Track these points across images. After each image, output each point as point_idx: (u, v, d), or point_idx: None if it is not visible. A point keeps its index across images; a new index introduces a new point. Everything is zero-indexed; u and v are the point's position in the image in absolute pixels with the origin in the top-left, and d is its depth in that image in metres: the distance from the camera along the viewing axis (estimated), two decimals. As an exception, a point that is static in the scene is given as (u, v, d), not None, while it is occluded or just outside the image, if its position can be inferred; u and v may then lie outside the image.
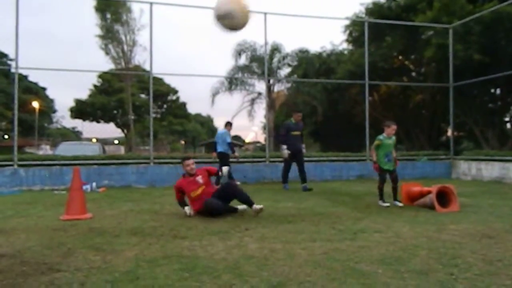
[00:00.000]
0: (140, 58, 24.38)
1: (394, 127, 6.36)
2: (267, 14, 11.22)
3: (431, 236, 4.01)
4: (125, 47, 24.05)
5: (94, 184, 9.12)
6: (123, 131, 38.59)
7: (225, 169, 5.83)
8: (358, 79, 13.45)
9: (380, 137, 6.35)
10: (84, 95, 36.78)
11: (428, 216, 5.23)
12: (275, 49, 23.56)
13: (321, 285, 2.62)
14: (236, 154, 10.20)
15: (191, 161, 5.63)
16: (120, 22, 23.61)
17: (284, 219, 5.06)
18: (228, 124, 10.21)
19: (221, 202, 5.39)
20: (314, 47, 36.75)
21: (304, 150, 8.90)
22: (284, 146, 8.61)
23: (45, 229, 4.50)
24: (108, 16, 23.52)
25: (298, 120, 8.79)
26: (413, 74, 18.76)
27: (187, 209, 5.45)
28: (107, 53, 24.13)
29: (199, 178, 5.56)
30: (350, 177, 11.27)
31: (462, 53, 12.35)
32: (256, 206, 5.36)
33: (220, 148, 9.77)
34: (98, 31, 23.82)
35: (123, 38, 23.98)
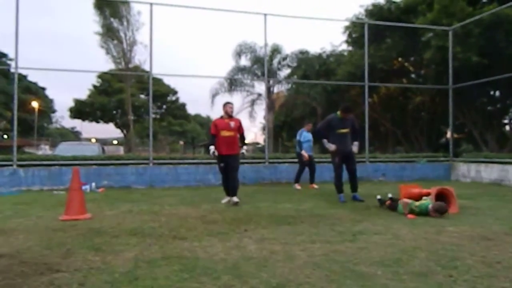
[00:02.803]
0: (140, 57, 24.31)
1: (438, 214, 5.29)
2: (267, 16, 11.24)
3: (430, 238, 4.01)
4: (125, 46, 23.97)
5: (93, 184, 9.11)
6: (122, 131, 38.58)
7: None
8: (358, 80, 13.46)
9: (423, 207, 5.40)
10: (83, 95, 36.78)
11: (427, 218, 5.23)
12: (275, 50, 23.56)
13: (320, 287, 2.63)
14: (303, 153, 9.42)
15: (231, 104, 6.94)
16: (119, 19, 23.50)
17: (284, 220, 5.06)
18: (306, 123, 9.89)
19: (226, 174, 6.74)
20: (314, 48, 36.80)
21: (355, 148, 7.11)
22: (325, 140, 7.11)
23: (44, 230, 4.50)
24: (107, 13, 23.39)
25: (345, 117, 7.03)
26: (413, 76, 18.77)
27: (212, 147, 6.67)
28: (108, 52, 24.09)
29: (232, 124, 6.74)
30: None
31: (461, 55, 12.36)
32: (234, 199, 6.64)
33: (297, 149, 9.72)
34: (98, 29, 23.75)
35: (123, 36, 23.91)
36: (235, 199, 6.64)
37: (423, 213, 5.36)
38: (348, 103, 7.33)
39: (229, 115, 6.82)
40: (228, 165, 6.69)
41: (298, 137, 9.65)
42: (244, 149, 6.96)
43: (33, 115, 37.11)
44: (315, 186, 9.51)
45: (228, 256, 3.36)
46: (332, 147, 7.01)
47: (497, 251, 3.50)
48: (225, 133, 6.66)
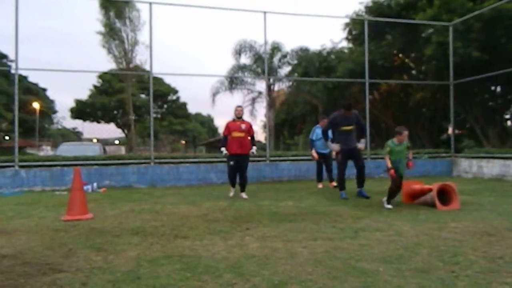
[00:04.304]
0: (141, 57, 24.27)
1: (405, 133, 5.89)
2: (267, 13, 11.22)
3: (432, 234, 4.01)
4: (127, 46, 23.94)
5: (95, 184, 9.13)
6: (123, 131, 38.62)
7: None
8: (358, 77, 13.43)
9: (389, 143, 5.96)
10: (84, 95, 36.84)
11: (429, 214, 5.23)
12: (275, 48, 23.50)
13: (322, 284, 2.63)
14: (313, 153, 8.91)
15: (241, 108, 7.64)
16: (123, 20, 23.49)
17: (285, 218, 5.06)
18: (321, 119, 8.90)
19: (234, 172, 7.45)
20: (314, 46, 36.72)
21: (362, 145, 7.19)
22: (329, 142, 7.27)
23: (46, 230, 4.51)
24: (112, 13, 23.37)
25: (347, 114, 7.04)
26: (413, 72, 18.72)
27: (223, 149, 7.39)
28: (109, 52, 24.06)
29: (243, 126, 7.40)
30: (350, 176, 11.21)
31: (462, 51, 12.33)
32: (243, 195, 7.34)
33: None
34: (101, 29, 23.70)
35: (125, 36, 23.88)
36: (244, 195, 7.36)
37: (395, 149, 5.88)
38: (349, 101, 7.38)
39: (239, 118, 7.50)
40: (239, 164, 7.39)
41: (310, 136, 9.15)
42: (253, 149, 7.55)
43: (34, 116, 37.12)
44: (334, 183, 8.63)
45: (230, 255, 3.36)
46: (335, 147, 7.09)
47: (499, 247, 3.49)
48: (236, 134, 7.32)
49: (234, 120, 7.49)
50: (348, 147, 7.02)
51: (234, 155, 7.33)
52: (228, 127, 7.45)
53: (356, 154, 7.12)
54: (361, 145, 7.15)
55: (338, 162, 7.26)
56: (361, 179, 7.17)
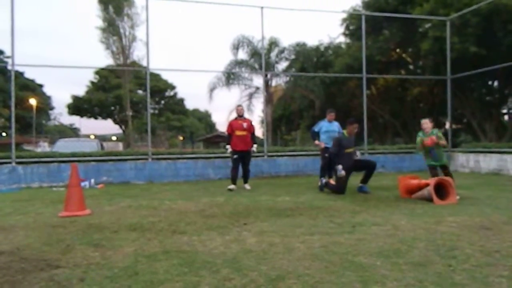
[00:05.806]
0: (139, 53, 24.25)
1: (424, 121, 6.69)
2: (264, 8, 11.18)
3: (429, 228, 4.02)
4: (125, 42, 23.86)
5: (92, 180, 9.12)
6: (121, 127, 38.56)
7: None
8: (356, 72, 13.44)
9: (419, 133, 6.60)
10: (81, 91, 36.77)
11: (426, 208, 5.24)
12: (273, 43, 23.45)
13: (319, 278, 2.63)
14: (316, 142, 8.49)
15: (241, 107, 8.18)
16: (121, 16, 23.43)
17: (283, 213, 5.07)
18: (329, 112, 8.51)
19: (238, 164, 7.91)
20: (312, 41, 36.66)
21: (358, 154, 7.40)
22: (340, 167, 6.89)
23: (44, 226, 4.50)
24: (111, 9, 23.29)
25: (351, 133, 7.18)
26: (411, 67, 18.75)
27: (228, 147, 7.93)
28: (108, 48, 23.98)
29: (245, 124, 7.89)
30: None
31: (459, 46, 12.33)
32: (246, 186, 7.93)
33: None
34: (99, 24, 23.63)
35: (123, 32, 23.81)
36: (247, 186, 7.95)
37: None
38: (353, 117, 7.67)
39: (240, 116, 8.00)
40: (243, 159, 7.95)
41: (313, 127, 8.67)
42: (254, 147, 8.01)
43: (31, 112, 36.97)
44: (332, 181, 8.19)
45: (227, 250, 3.36)
46: (342, 173, 6.89)
47: (496, 240, 3.51)
48: (239, 133, 7.83)
49: (236, 119, 7.98)
50: (351, 163, 7.04)
51: (239, 151, 7.88)
52: (231, 126, 7.93)
53: (362, 162, 7.32)
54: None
55: (340, 180, 6.97)
56: (367, 177, 7.12)
